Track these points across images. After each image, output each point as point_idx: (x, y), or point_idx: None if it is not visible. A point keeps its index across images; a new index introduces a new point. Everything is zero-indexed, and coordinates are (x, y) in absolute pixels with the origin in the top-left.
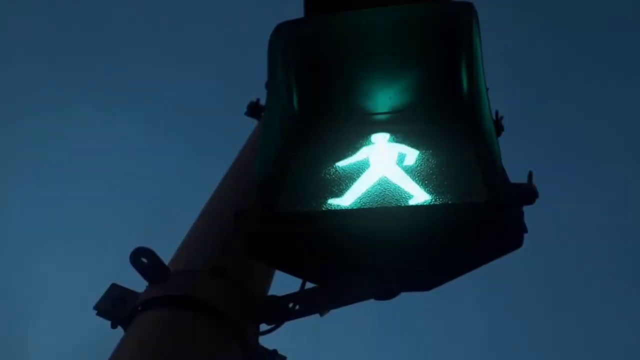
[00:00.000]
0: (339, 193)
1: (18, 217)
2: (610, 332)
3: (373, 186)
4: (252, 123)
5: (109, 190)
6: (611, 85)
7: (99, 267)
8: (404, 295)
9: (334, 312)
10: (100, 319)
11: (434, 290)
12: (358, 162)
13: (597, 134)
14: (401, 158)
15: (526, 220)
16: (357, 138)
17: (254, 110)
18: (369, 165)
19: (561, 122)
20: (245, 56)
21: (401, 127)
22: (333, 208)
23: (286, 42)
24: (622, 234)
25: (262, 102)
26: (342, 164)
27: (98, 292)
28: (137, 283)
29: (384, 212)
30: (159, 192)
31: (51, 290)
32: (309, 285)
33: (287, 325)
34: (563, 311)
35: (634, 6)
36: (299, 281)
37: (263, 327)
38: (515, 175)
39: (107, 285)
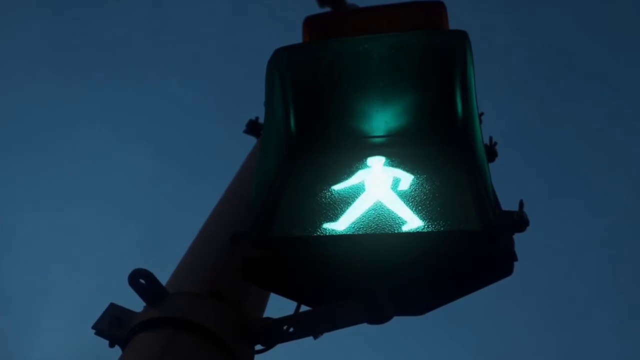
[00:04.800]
0: (333, 217)
1: (22, 230)
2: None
3: (367, 211)
4: (252, 140)
5: (110, 209)
6: (604, 105)
7: (98, 281)
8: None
9: (328, 334)
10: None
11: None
12: (353, 185)
13: (590, 153)
14: (396, 183)
15: (516, 248)
16: (352, 161)
17: (253, 128)
18: (364, 190)
19: (557, 141)
20: (245, 76)
21: (396, 150)
22: (328, 233)
23: (284, 66)
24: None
25: (262, 120)
26: (337, 187)
27: (97, 302)
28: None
29: (378, 238)
30: (157, 210)
31: (51, 300)
32: (303, 308)
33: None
34: (559, 326)
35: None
36: (294, 303)
37: (258, 346)
38: (509, 189)
39: (103, 298)
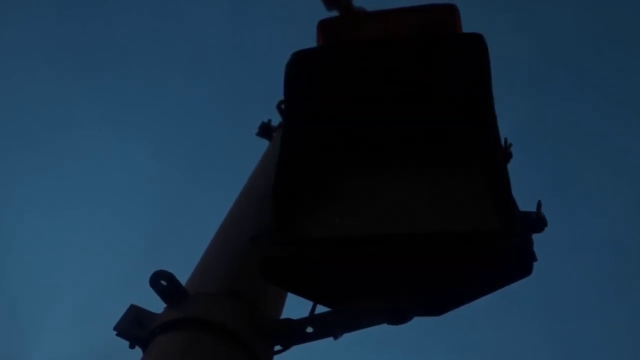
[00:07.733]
0: (353, 217)
1: (23, 230)
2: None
3: (386, 210)
4: (251, 139)
5: (110, 209)
6: (604, 106)
7: (98, 281)
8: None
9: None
10: (104, 330)
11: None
12: (372, 185)
13: (590, 154)
14: (413, 182)
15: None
16: (370, 161)
17: (265, 130)
18: (382, 189)
19: (556, 141)
20: (246, 76)
21: (413, 152)
22: (348, 232)
23: (303, 70)
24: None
25: (274, 122)
26: (356, 187)
27: (97, 302)
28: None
29: (397, 237)
30: (157, 210)
31: (52, 300)
32: (320, 308)
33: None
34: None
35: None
36: (308, 304)
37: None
38: (520, 193)
39: (103, 298)
